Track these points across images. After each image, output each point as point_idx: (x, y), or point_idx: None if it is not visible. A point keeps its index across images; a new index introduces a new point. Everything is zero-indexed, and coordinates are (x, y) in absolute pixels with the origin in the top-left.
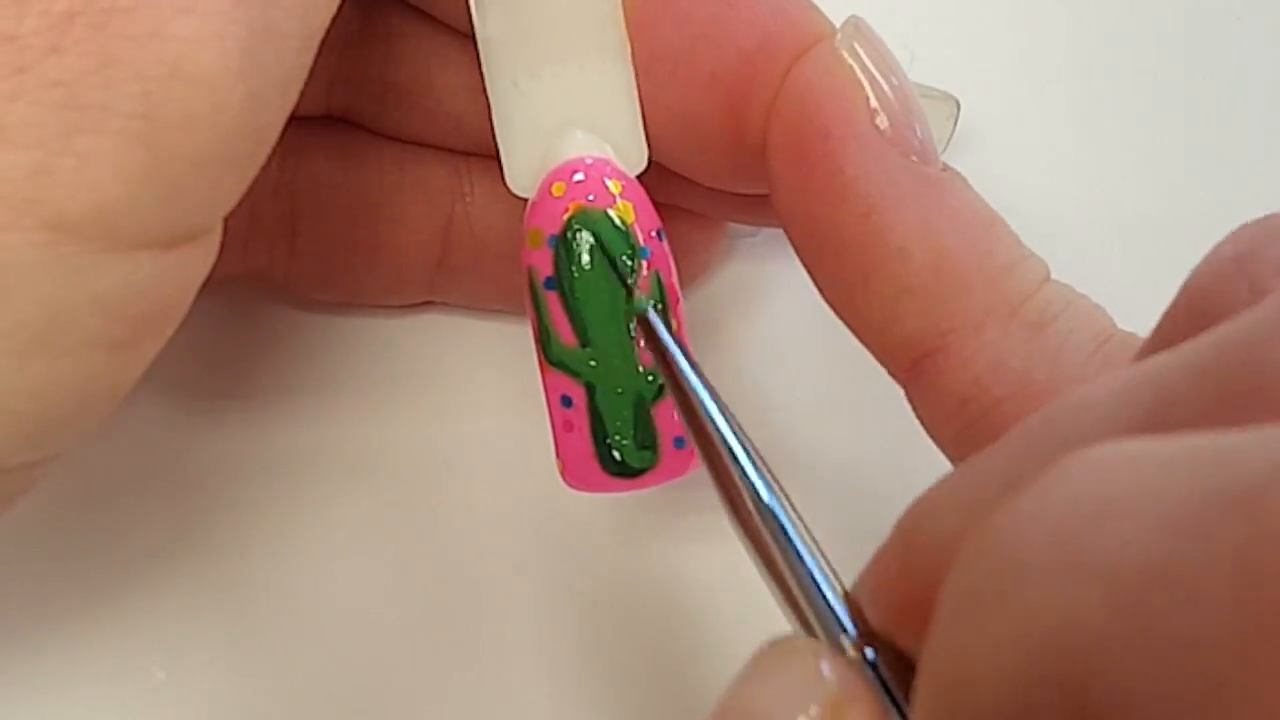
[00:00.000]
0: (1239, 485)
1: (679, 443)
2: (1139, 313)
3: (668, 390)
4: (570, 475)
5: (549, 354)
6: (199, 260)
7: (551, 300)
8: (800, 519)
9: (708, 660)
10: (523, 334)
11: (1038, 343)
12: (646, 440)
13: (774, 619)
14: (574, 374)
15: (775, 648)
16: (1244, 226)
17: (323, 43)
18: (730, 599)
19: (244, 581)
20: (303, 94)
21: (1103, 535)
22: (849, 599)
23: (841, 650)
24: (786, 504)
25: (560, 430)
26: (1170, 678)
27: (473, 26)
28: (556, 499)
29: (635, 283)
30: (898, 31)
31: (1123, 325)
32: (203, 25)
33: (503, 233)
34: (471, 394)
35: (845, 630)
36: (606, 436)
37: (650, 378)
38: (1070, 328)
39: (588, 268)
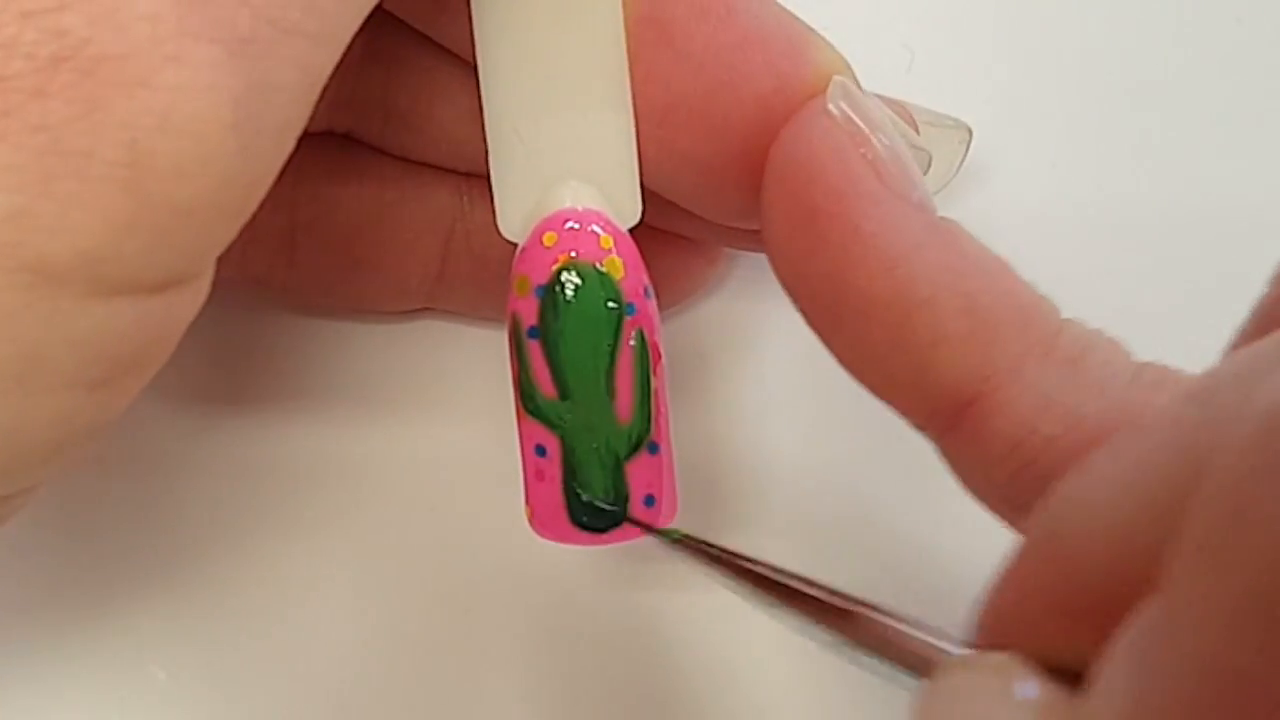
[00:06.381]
0: None
1: (649, 501)
2: (1148, 341)
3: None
4: (538, 523)
5: (527, 402)
6: (186, 303)
7: (534, 349)
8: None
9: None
10: None
11: (1080, 377)
12: (617, 497)
13: (754, 655)
14: (550, 425)
15: (961, 668)
16: None
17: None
18: (712, 639)
19: (244, 582)
20: None
21: None
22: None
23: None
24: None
25: (532, 478)
26: None
27: (476, 68)
28: None
29: (619, 339)
30: (898, 34)
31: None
32: (194, 76)
33: (502, 250)
34: (470, 400)
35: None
36: (578, 490)
37: (626, 435)
38: (1104, 359)
39: (573, 320)
